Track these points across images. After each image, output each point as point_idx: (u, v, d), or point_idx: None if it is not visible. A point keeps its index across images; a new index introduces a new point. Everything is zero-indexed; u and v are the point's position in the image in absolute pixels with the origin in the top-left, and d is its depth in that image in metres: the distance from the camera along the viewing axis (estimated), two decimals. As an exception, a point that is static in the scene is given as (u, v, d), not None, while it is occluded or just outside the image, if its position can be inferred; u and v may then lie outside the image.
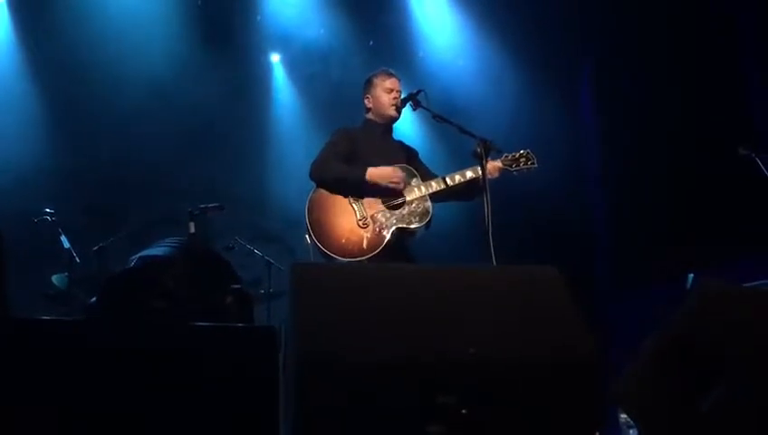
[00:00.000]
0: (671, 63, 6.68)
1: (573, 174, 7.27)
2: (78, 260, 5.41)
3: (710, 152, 6.02)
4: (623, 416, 3.89)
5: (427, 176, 4.02)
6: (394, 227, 3.81)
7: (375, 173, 3.85)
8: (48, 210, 5.48)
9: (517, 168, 4.03)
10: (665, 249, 6.24)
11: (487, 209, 3.52)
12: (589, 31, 7.25)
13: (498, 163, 4.00)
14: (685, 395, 2.01)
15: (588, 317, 2.09)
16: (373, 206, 3.87)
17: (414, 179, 3.96)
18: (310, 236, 3.78)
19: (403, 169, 3.97)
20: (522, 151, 4.06)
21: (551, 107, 7.12)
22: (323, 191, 3.88)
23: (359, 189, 3.87)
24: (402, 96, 4.05)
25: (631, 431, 3.91)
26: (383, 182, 3.85)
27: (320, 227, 3.78)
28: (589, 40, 7.38)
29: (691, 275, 4.76)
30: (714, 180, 6.05)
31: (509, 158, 4.02)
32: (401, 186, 3.87)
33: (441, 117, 3.84)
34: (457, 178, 3.94)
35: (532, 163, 4.03)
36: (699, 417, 1.97)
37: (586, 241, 7.42)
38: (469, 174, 3.92)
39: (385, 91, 4.09)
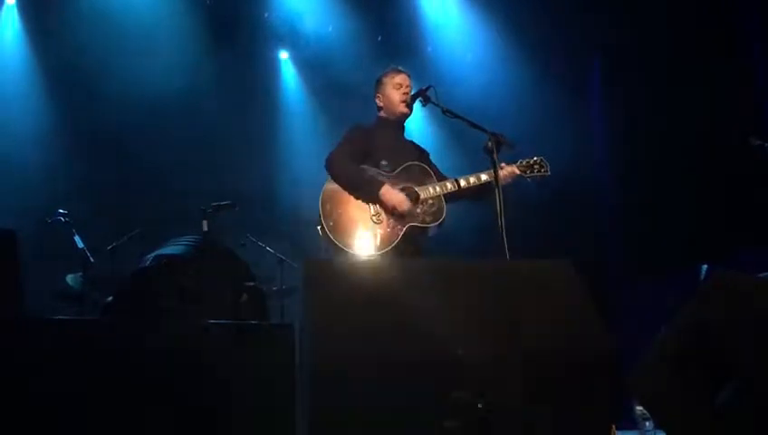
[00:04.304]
0: (679, 57, 6.65)
1: (584, 165, 7.24)
2: (92, 260, 5.41)
3: (722, 144, 5.99)
4: (639, 408, 3.90)
5: (438, 176, 4.02)
6: (408, 225, 3.81)
7: (388, 196, 3.81)
8: (61, 211, 5.49)
9: (531, 174, 4.09)
10: (678, 241, 6.23)
11: (500, 204, 3.50)
12: (598, 25, 7.22)
13: (514, 168, 4.04)
14: (699, 387, 2.01)
15: (601, 309, 2.10)
16: None
17: (429, 179, 3.97)
18: (322, 228, 3.75)
19: (419, 169, 3.98)
20: (536, 158, 4.13)
21: (560, 100, 7.10)
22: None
23: (368, 199, 3.86)
24: (412, 92, 4.05)
25: (647, 423, 3.90)
26: (390, 205, 3.80)
27: (333, 220, 3.75)
28: (597, 34, 7.35)
29: (705, 267, 4.76)
30: (726, 171, 6.03)
31: (524, 164, 4.09)
32: (404, 219, 3.83)
33: (451, 112, 3.82)
34: (472, 180, 3.95)
35: (546, 171, 4.12)
36: (713, 409, 1.97)
37: (598, 232, 7.40)
38: (484, 177, 3.93)
39: (395, 88, 4.09)
